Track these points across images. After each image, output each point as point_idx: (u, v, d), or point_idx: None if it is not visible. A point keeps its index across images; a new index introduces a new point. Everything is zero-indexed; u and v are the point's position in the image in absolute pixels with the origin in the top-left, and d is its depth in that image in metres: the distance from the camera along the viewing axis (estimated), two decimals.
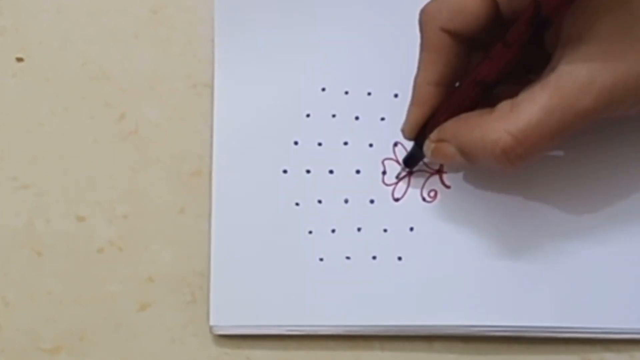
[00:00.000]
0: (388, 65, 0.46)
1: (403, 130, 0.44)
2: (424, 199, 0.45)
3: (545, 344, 0.44)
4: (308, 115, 0.46)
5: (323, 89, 0.46)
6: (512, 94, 0.39)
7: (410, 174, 0.45)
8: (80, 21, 0.48)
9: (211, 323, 0.44)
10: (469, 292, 0.43)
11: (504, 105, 0.39)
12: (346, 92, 0.46)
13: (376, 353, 0.44)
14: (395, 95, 0.46)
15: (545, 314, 0.43)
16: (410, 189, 0.45)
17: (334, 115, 0.46)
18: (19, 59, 0.48)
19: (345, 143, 0.46)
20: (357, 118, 0.46)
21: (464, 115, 0.41)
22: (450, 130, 0.41)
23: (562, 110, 0.38)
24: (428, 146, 0.42)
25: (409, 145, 0.45)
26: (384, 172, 0.45)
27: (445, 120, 0.41)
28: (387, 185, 0.45)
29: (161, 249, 0.45)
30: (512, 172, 0.42)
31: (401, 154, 0.45)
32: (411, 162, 0.45)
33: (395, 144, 0.45)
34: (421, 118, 0.42)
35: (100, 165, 0.46)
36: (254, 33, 0.47)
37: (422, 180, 0.45)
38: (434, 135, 0.42)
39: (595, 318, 0.43)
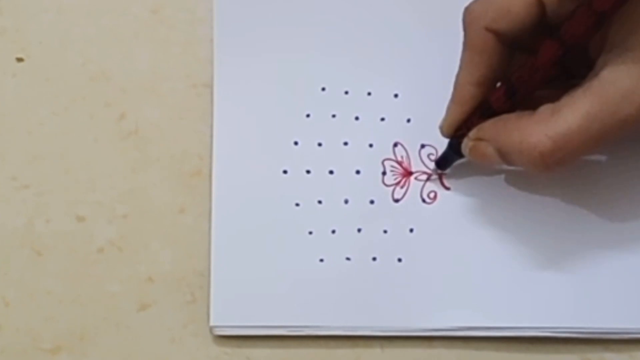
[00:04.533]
0: (388, 65, 0.46)
1: (441, 127, 0.43)
2: (423, 200, 0.45)
3: (545, 344, 0.44)
4: (308, 115, 0.46)
5: (323, 89, 0.46)
6: (554, 98, 0.39)
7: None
8: (80, 21, 0.48)
9: (211, 323, 0.44)
10: (468, 293, 0.44)
11: (545, 109, 0.39)
12: (346, 92, 0.46)
13: (376, 353, 0.44)
14: (395, 95, 0.46)
15: (545, 314, 0.43)
16: (410, 190, 0.45)
17: (334, 115, 0.46)
18: (19, 59, 0.47)
19: (345, 143, 0.46)
20: (357, 118, 0.46)
21: (504, 116, 0.41)
22: (490, 130, 0.41)
23: (603, 117, 0.37)
24: (466, 144, 0.42)
25: (409, 145, 0.45)
26: (384, 173, 0.45)
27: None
28: (387, 185, 0.45)
29: (161, 249, 0.45)
30: (548, 176, 0.42)
31: (401, 154, 0.45)
32: (443, 164, 0.45)
33: (395, 144, 0.45)
34: (460, 116, 0.42)
35: (100, 165, 0.46)
36: (254, 33, 0.46)
37: (422, 182, 0.45)
38: (473, 133, 0.42)
39: (595, 318, 0.43)
